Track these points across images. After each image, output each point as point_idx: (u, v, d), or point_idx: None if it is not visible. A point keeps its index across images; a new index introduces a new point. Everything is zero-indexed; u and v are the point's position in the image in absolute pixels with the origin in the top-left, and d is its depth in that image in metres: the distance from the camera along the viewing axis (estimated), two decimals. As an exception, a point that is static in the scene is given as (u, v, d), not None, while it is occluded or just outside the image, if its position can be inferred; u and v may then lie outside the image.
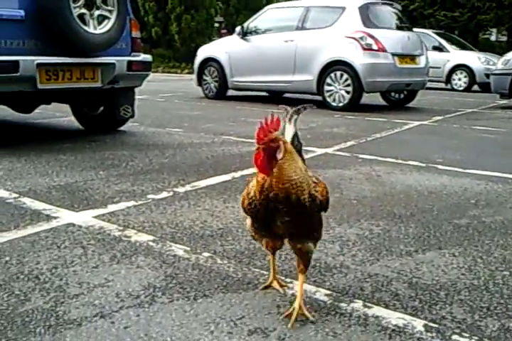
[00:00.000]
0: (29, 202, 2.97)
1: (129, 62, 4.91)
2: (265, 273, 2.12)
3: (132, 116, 5.30)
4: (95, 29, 4.50)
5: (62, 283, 2.00)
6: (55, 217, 2.73)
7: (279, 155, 1.57)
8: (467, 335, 1.70)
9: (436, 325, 1.75)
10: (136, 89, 5.37)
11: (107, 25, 4.58)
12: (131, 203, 3.01)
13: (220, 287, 2.00)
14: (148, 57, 5.25)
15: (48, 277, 2.05)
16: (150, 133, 5.49)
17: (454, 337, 1.69)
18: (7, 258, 2.21)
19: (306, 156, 1.89)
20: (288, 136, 1.80)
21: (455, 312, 1.84)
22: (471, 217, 2.91)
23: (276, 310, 1.83)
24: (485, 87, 12.46)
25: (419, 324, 1.76)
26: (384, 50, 7.98)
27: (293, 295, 1.92)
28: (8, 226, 2.57)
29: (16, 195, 3.10)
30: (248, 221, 1.83)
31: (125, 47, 4.99)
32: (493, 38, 26.68)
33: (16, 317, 1.75)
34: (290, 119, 1.84)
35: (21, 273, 2.07)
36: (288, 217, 1.65)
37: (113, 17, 4.61)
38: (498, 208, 3.11)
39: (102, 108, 5.36)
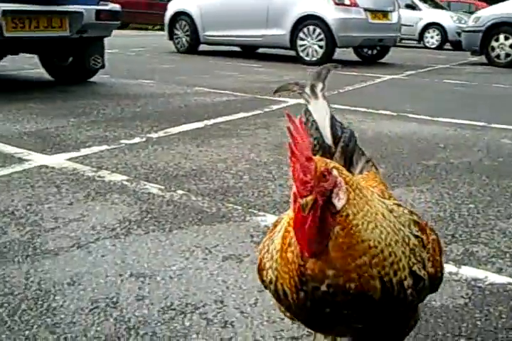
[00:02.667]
0: (0, 147, 2.94)
1: (97, 11, 4.80)
2: (239, 207, 2.16)
3: (103, 66, 5.21)
4: (63, -25, 4.37)
5: (37, 218, 2.01)
6: (28, 160, 2.71)
7: (340, 201, 0.83)
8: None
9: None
10: (106, 43, 5.26)
11: (74, -28, 4.45)
12: (104, 147, 3.00)
13: (194, 220, 2.04)
14: (116, 7, 5.12)
15: (23, 213, 2.06)
16: (121, 84, 5.42)
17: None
18: (-20, 197, 2.21)
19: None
20: (325, 123, 1.12)
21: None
22: (439, 158, 2.98)
23: (249, 239, 1.88)
24: (457, 45, 12.50)
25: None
26: (356, 5, 7.92)
27: (266, 226, 1.96)
28: (-20, 168, 2.56)
29: (-14, 140, 3.06)
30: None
31: (93, -5, 4.86)
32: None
33: (-7, 248, 1.77)
34: (313, 91, 1.14)
35: (-4, 210, 2.08)
36: (361, 324, 0.91)
37: (81, -37, 4.48)
38: (466, 151, 3.19)
39: (71, 58, 5.25)
